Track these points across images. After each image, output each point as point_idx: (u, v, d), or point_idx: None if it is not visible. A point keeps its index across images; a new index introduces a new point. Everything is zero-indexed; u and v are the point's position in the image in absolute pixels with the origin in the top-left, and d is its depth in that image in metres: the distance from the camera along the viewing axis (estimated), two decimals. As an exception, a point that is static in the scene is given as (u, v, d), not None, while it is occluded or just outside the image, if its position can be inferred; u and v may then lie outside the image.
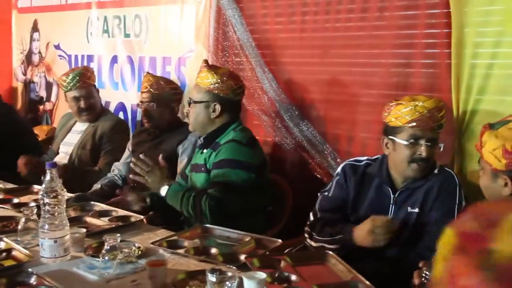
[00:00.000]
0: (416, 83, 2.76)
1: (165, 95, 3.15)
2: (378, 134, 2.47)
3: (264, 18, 3.35)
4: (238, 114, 2.79)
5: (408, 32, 2.78)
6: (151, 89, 3.16)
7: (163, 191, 2.53)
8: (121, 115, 4.18)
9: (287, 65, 3.28)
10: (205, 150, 2.70)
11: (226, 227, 2.30)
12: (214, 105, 2.65)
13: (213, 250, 2.04)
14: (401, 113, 2.18)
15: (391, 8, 2.82)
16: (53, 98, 5.01)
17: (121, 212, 2.50)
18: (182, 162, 3.05)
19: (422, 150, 2.16)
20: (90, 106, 3.55)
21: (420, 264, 1.65)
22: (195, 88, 2.74)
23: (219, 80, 2.63)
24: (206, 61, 2.77)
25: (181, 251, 2.04)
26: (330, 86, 3.12)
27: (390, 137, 2.23)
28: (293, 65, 3.27)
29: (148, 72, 3.38)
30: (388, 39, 2.85)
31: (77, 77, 3.50)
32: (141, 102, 3.20)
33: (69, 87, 3.52)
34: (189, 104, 2.71)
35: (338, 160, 3.01)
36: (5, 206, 2.57)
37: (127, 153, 3.31)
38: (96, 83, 3.69)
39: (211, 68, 2.70)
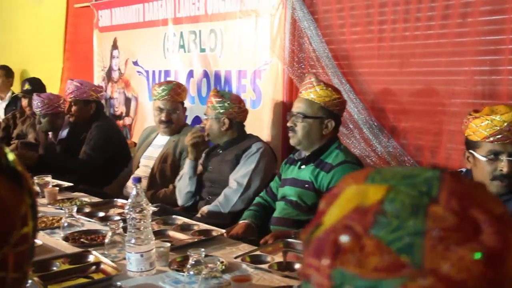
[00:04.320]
0: (503, 90, 2.63)
1: (216, 110, 3.20)
2: (462, 145, 2.37)
3: (340, 29, 3.31)
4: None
5: (493, 38, 2.67)
6: (209, 105, 3.26)
7: None
8: (197, 129, 4.24)
9: (364, 76, 3.22)
10: (303, 166, 2.69)
11: None
12: (328, 122, 2.65)
13: (297, 266, 2.01)
14: (478, 128, 2.08)
15: (474, 14, 2.71)
16: (131, 113, 5.15)
17: (203, 226, 2.52)
18: (246, 169, 3.08)
19: (503, 166, 2.04)
20: (170, 120, 3.65)
21: None
22: (304, 102, 2.69)
23: (336, 97, 2.62)
24: (315, 75, 2.73)
25: (264, 266, 2.03)
26: (411, 95, 3.04)
27: (471, 151, 2.14)
28: (371, 75, 3.20)
29: (215, 88, 3.45)
30: (472, 45, 2.74)
31: (167, 90, 3.62)
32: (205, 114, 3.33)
33: (157, 97, 3.66)
34: (299, 118, 2.67)
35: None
36: (92, 220, 2.64)
37: (199, 168, 3.36)
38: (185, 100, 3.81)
39: (325, 83, 2.68)
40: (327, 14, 3.38)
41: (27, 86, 4.90)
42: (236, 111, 3.24)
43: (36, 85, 4.99)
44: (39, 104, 4.24)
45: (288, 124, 2.78)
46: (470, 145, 2.14)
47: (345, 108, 2.79)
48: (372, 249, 0.54)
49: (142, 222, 1.95)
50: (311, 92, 2.68)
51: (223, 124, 3.21)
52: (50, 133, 4.42)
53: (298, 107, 2.73)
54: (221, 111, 3.20)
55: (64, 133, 4.37)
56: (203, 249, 1.90)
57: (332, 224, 0.58)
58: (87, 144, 4.03)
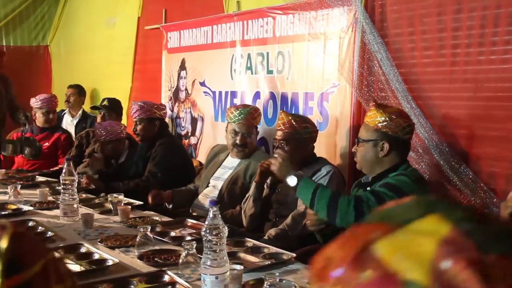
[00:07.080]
0: None
1: (296, 134, 3.20)
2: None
3: (411, 52, 3.28)
4: (407, 154, 2.78)
5: None
6: (283, 127, 3.23)
7: (292, 180, 2.52)
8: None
9: (436, 100, 3.17)
10: (368, 188, 2.68)
11: None
12: (382, 143, 2.64)
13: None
14: None
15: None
16: (197, 133, 5.24)
17: (273, 249, 2.53)
18: None
19: None
20: (244, 144, 3.71)
21: None
22: (363, 127, 2.75)
23: (387, 118, 2.61)
24: (375, 100, 2.77)
25: (337, 292, 2.01)
26: (485, 121, 2.97)
27: None
28: (443, 99, 3.15)
29: (283, 110, 3.44)
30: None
31: (243, 114, 3.70)
32: (274, 139, 3.30)
33: (233, 120, 3.72)
34: (357, 143, 2.73)
35: (495, 200, 2.83)
36: (164, 239, 2.70)
37: (265, 190, 3.36)
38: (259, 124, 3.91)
39: (380, 106, 2.70)
40: (397, 38, 3.36)
41: (105, 102, 5.10)
42: (313, 136, 3.30)
43: (115, 104, 5.17)
44: (103, 132, 4.38)
45: (352, 150, 2.84)
46: None
47: (406, 129, 2.67)
48: (507, 263, 0.53)
49: (218, 244, 1.98)
50: (367, 116, 2.72)
51: (305, 150, 3.25)
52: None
53: (359, 132, 2.79)
54: (304, 137, 3.25)
55: (123, 157, 4.49)
56: (277, 274, 1.91)
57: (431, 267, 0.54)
58: (151, 161, 4.12)
